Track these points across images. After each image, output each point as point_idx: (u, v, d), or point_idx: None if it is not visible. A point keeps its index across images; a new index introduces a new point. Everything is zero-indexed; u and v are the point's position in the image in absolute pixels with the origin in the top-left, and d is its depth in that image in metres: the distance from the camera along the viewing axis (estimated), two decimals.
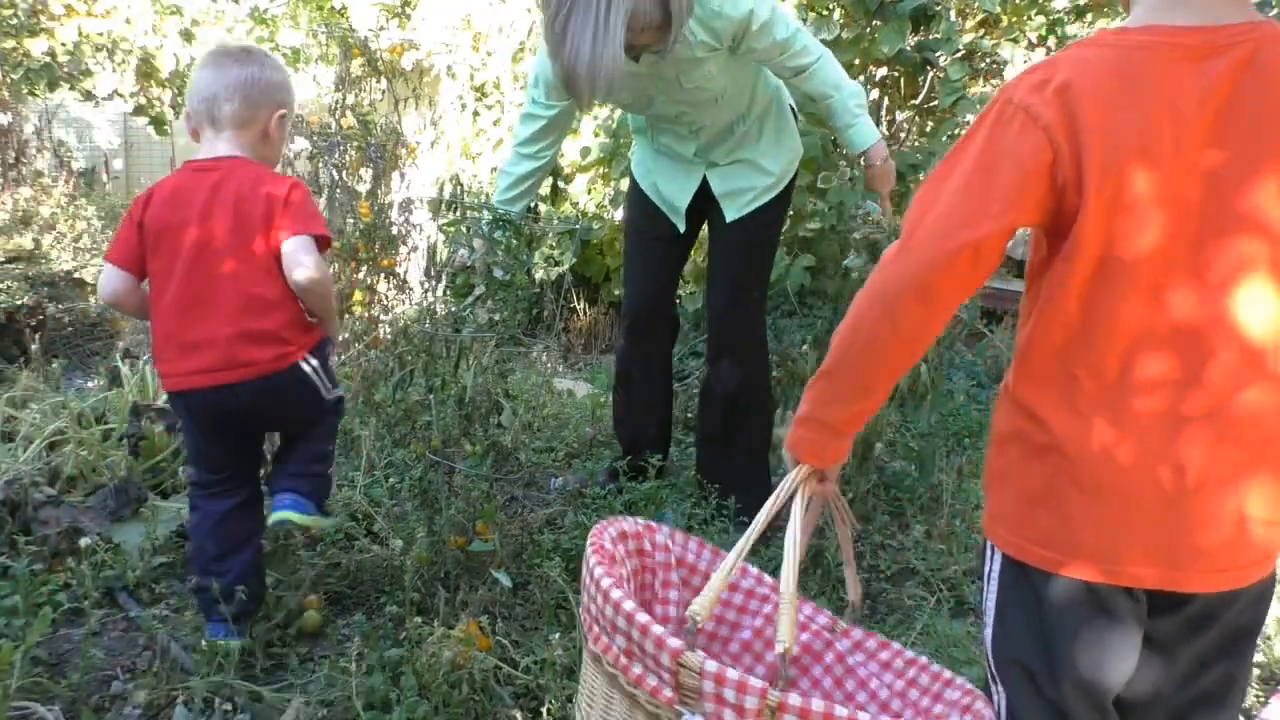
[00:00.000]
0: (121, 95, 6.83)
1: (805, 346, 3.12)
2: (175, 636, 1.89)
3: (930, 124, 4.62)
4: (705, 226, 2.57)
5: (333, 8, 6.46)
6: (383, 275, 3.37)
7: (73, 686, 1.71)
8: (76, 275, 4.53)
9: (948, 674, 1.29)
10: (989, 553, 1.11)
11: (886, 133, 4.73)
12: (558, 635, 1.74)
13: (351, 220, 3.53)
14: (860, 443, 2.48)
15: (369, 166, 4.41)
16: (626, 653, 1.08)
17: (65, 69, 6.32)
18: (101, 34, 6.40)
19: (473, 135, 5.06)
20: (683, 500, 2.59)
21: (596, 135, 4.66)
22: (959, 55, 4.26)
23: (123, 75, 6.62)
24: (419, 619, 1.81)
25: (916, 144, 4.59)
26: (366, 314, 3.10)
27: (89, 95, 6.70)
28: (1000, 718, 1.13)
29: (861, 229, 2.66)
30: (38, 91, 6.43)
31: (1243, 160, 0.96)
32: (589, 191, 4.79)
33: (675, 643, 1.01)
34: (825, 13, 4.19)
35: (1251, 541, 1.01)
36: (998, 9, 4.37)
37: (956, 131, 4.36)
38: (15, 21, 6.05)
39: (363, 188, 4.33)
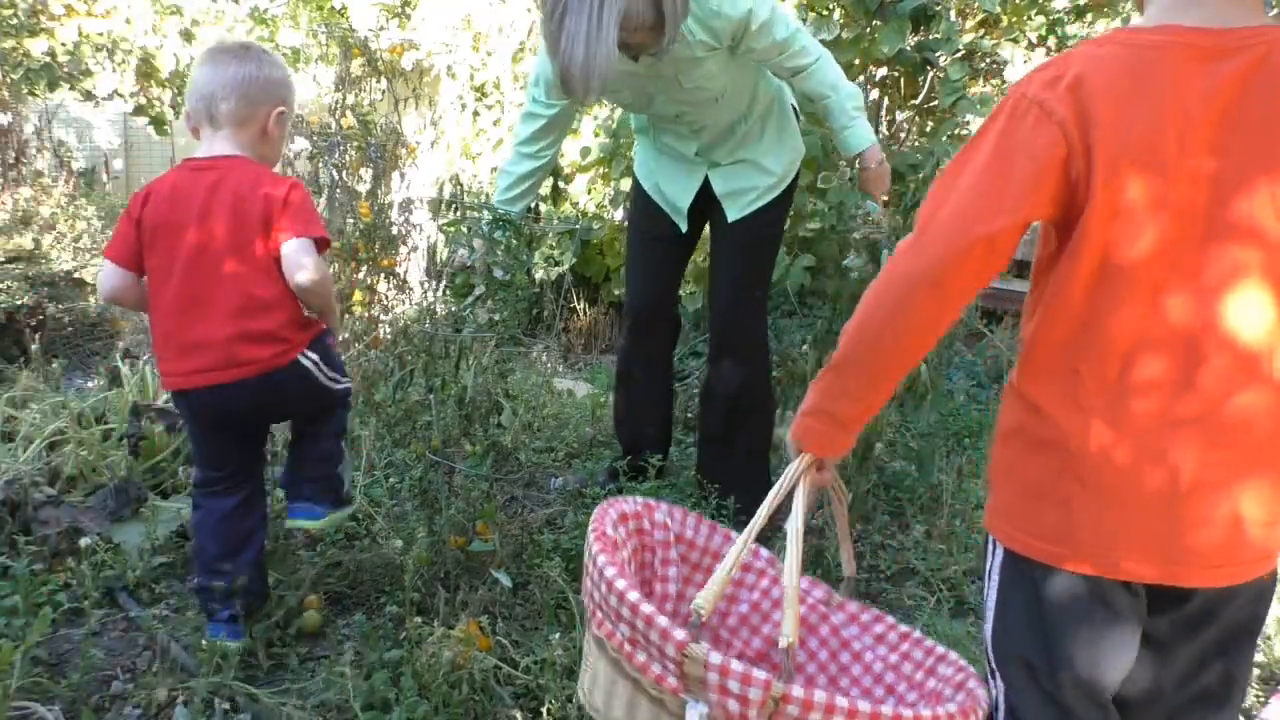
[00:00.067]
0: (121, 95, 6.83)
1: (805, 346, 3.12)
2: (175, 636, 1.89)
3: (930, 124, 4.62)
4: (707, 226, 2.57)
5: (333, 8, 6.45)
6: (383, 275, 3.37)
7: (73, 686, 1.71)
8: (76, 275, 4.53)
9: (940, 649, 1.30)
10: (990, 547, 1.12)
11: (886, 133, 4.73)
12: (558, 635, 1.74)
13: (351, 220, 3.53)
14: (860, 443, 2.48)
15: (369, 166, 4.41)
16: (630, 640, 1.08)
17: (65, 69, 6.32)
18: (101, 34, 6.40)
19: (473, 135, 5.06)
20: (683, 500, 2.59)
21: (596, 135, 4.66)
22: (959, 55, 4.26)
23: (123, 75, 6.62)
24: (419, 619, 1.81)
25: (916, 144, 4.58)
26: (366, 314, 3.10)
27: (89, 95, 6.70)
28: (999, 711, 1.13)
29: (861, 229, 2.66)
30: (38, 91, 6.43)
31: (1249, 163, 0.96)
32: (589, 191, 4.79)
33: (680, 634, 1.02)
34: (825, 13, 4.19)
35: (1248, 542, 1.01)
36: (998, 9, 4.37)
37: (957, 131, 4.36)
38: (15, 21, 6.05)
39: (363, 188, 4.33)
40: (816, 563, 2.27)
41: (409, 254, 4.20)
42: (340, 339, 2.91)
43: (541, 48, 2.07)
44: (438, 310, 2.66)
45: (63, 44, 6.21)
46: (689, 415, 3.29)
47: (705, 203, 2.48)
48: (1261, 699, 1.86)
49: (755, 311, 2.54)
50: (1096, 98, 0.96)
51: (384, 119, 4.94)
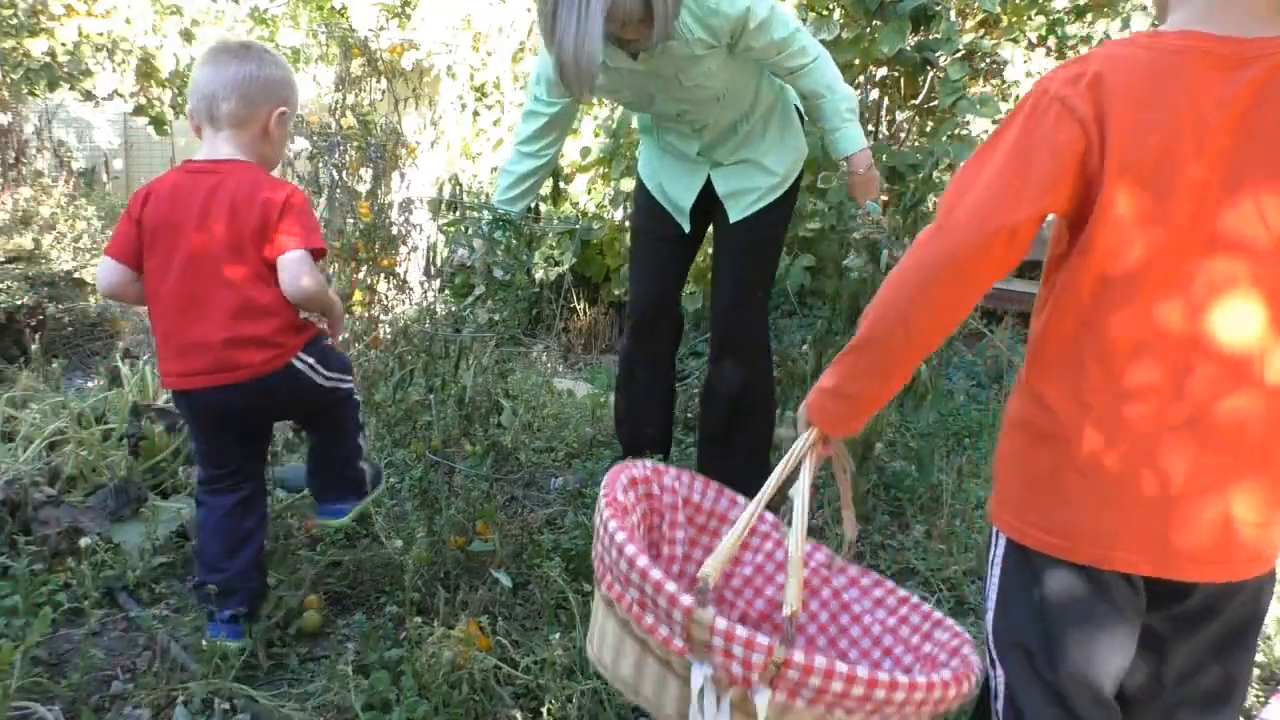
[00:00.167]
0: (121, 95, 6.83)
1: (805, 346, 3.12)
2: (175, 636, 1.89)
3: (930, 124, 4.62)
4: (711, 227, 2.57)
5: (333, 8, 6.45)
6: (383, 275, 3.37)
7: (73, 686, 1.71)
8: (76, 275, 4.53)
9: (938, 614, 1.34)
10: (994, 538, 1.14)
11: (886, 132, 4.74)
12: (558, 635, 1.74)
13: (351, 220, 3.53)
14: (860, 443, 2.49)
15: (369, 166, 4.41)
16: (639, 603, 1.12)
17: (65, 69, 6.32)
18: (101, 34, 6.40)
19: (473, 135, 5.06)
20: None
21: (597, 135, 4.66)
22: (959, 55, 4.26)
23: (123, 75, 6.62)
24: (419, 619, 1.81)
25: (916, 144, 4.58)
26: (366, 314, 3.10)
27: (89, 95, 6.70)
28: (999, 699, 1.14)
29: (861, 229, 2.65)
30: (38, 91, 6.43)
31: (1259, 172, 0.98)
32: (589, 191, 4.79)
33: (687, 600, 1.05)
34: (825, 13, 4.19)
35: (1241, 543, 1.02)
36: (998, 9, 4.37)
37: (956, 131, 4.36)
38: (15, 21, 6.05)
39: (363, 188, 4.33)
40: (822, 535, 2.27)
41: (409, 254, 4.20)
42: (340, 339, 2.92)
43: (542, 46, 2.08)
44: (438, 310, 2.66)
45: (63, 44, 6.21)
46: (689, 415, 3.29)
47: (708, 203, 2.48)
48: (1261, 699, 1.86)
49: (757, 312, 2.54)
50: (1114, 97, 0.98)
51: (384, 119, 4.94)
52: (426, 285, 4.01)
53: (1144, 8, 4.97)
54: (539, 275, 4.48)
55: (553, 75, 2.15)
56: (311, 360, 1.85)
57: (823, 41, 3.91)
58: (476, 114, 5.06)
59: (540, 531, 2.37)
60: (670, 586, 1.07)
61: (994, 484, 1.15)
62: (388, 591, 2.09)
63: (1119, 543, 1.03)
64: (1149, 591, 1.06)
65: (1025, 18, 4.80)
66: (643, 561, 1.10)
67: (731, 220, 2.44)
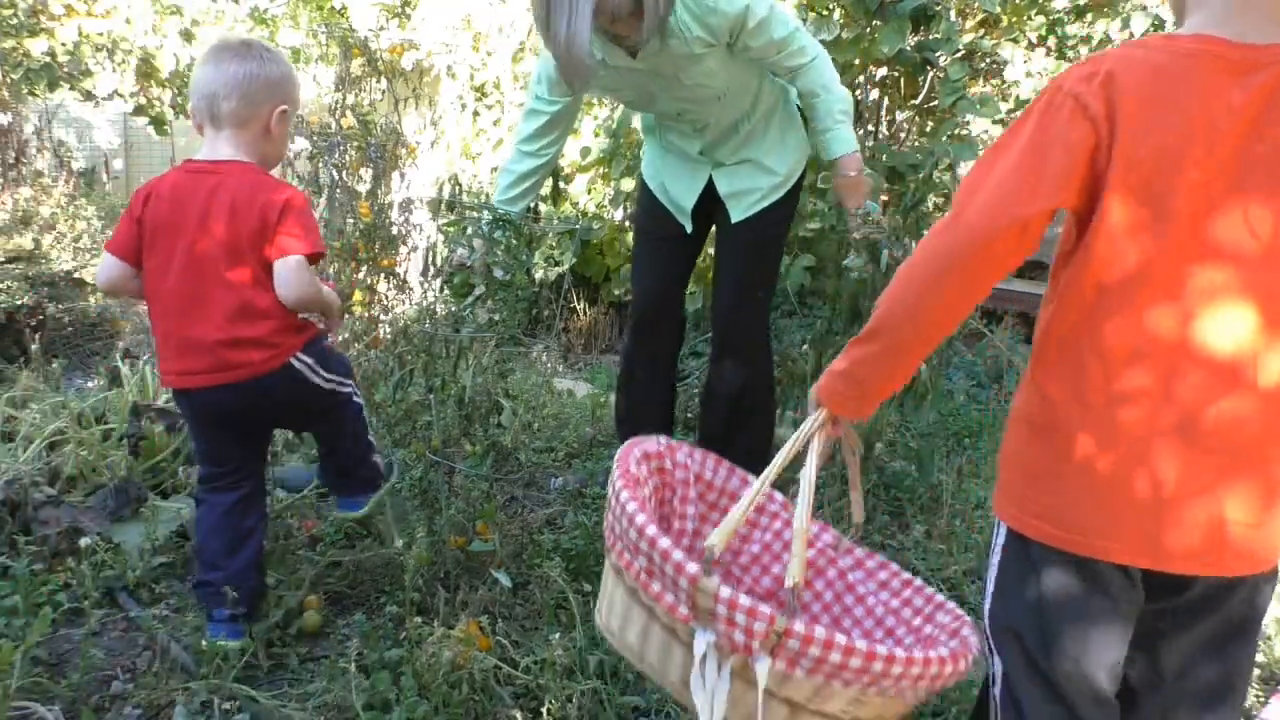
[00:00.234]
0: (121, 95, 6.82)
1: (805, 346, 3.12)
2: (175, 636, 1.89)
3: (930, 124, 4.61)
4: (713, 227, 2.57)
5: (333, 8, 6.45)
6: (383, 275, 3.37)
7: (73, 686, 1.71)
8: (76, 275, 4.53)
9: (940, 598, 1.37)
10: (996, 527, 1.17)
11: (886, 132, 4.73)
12: (558, 635, 1.74)
13: (351, 220, 3.52)
14: (861, 442, 2.49)
15: (369, 166, 4.40)
16: (647, 571, 1.14)
17: (65, 69, 6.31)
18: (101, 34, 6.39)
19: (473, 135, 5.06)
20: None
21: (597, 135, 4.66)
22: (959, 55, 4.26)
23: (123, 75, 6.61)
24: (419, 619, 1.81)
25: (916, 144, 4.58)
26: (366, 314, 3.10)
27: (89, 95, 6.70)
28: (996, 686, 1.17)
29: (861, 229, 2.65)
30: (38, 91, 6.43)
31: (1262, 177, 0.99)
32: (589, 191, 4.79)
33: (693, 568, 1.08)
34: (825, 13, 4.19)
35: (1232, 543, 1.04)
36: (998, 9, 4.37)
37: (956, 131, 4.36)
38: (15, 21, 6.04)
39: (363, 188, 4.33)
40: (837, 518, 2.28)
41: (409, 254, 4.20)
42: (340, 339, 2.92)
43: (542, 44, 2.09)
44: (438, 310, 2.66)
45: (63, 44, 6.21)
46: (689, 415, 3.29)
47: (710, 203, 2.48)
48: (1261, 699, 1.86)
49: (758, 312, 2.54)
50: (1125, 97, 1.00)
51: (384, 119, 4.94)
52: (426, 285, 4.01)
53: (1144, 7, 4.97)
54: (539, 275, 4.48)
55: (553, 73, 2.17)
56: (310, 360, 1.86)
57: (822, 41, 3.91)
58: (476, 114, 5.06)
59: (540, 531, 2.37)
60: (677, 555, 1.09)
61: (998, 476, 1.18)
62: (388, 591, 2.08)
63: (1115, 541, 1.05)
64: (1148, 584, 1.08)
65: (1025, 18, 4.80)
66: (651, 530, 1.13)
67: (733, 220, 2.44)
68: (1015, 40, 4.74)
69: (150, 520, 2.28)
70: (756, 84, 2.33)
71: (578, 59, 1.93)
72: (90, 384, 3.37)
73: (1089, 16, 5.12)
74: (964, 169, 4.77)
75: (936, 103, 4.32)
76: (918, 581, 1.42)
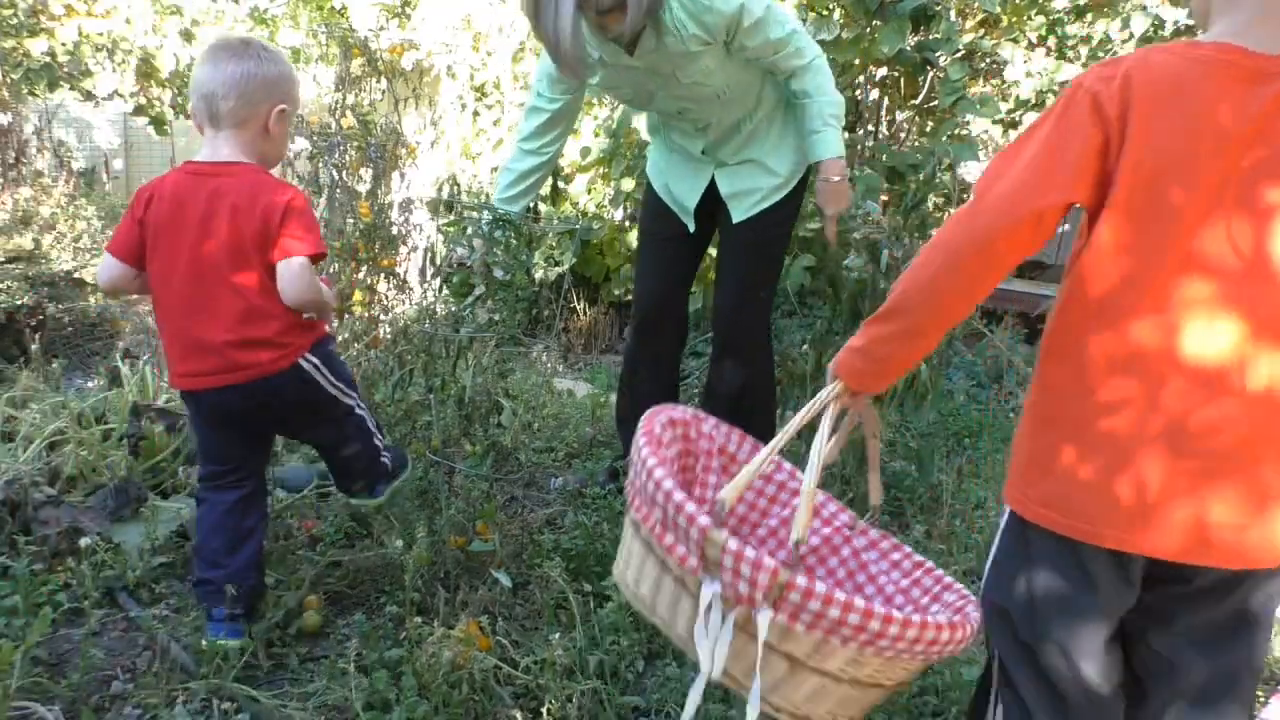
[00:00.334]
0: (121, 95, 6.83)
1: (805, 346, 3.12)
2: (175, 636, 1.89)
3: (930, 124, 4.62)
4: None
5: (333, 8, 6.45)
6: (383, 275, 3.37)
7: (73, 686, 1.71)
8: (76, 275, 4.52)
9: (949, 579, 1.40)
10: (1002, 511, 1.22)
11: (886, 132, 4.73)
12: (558, 635, 1.74)
13: (351, 220, 3.52)
14: (860, 443, 2.49)
15: (369, 166, 4.40)
16: (662, 523, 1.18)
17: (65, 69, 6.32)
18: (101, 34, 6.40)
19: (473, 135, 5.06)
20: None
21: (597, 135, 4.66)
22: (959, 55, 4.26)
23: (123, 75, 6.62)
24: (419, 619, 1.81)
25: (916, 144, 4.58)
26: (366, 314, 3.10)
27: (89, 95, 6.70)
28: (996, 661, 1.22)
29: (861, 229, 2.65)
30: (38, 91, 6.43)
31: (1264, 185, 1.01)
32: (589, 191, 4.79)
33: (704, 520, 1.11)
34: (825, 13, 4.19)
35: (1216, 545, 1.06)
36: (998, 9, 4.37)
37: (957, 131, 4.36)
38: (15, 21, 6.05)
39: (363, 188, 4.32)
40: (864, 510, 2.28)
41: (409, 254, 4.20)
42: (340, 339, 2.92)
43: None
44: (438, 310, 2.66)
45: (63, 44, 6.21)
46: None
47: (713, 204, 2.48)
48: (1262, 699, 1.86)
49: (759, 312, 2.54)
50: (1139, 98, 1.03)
51: (384, 119, 4.94)
52: (426, 285, 4.01)
53: (1144, 7, 4.96)
54: (539, 275, 4.48)
55: (553, 70, 2.19)
56: (317, 361, 1.87)
57: (823, 41, 3.92)
58: (476, 114, 5.06)
59: (540, 531, 2.37)
60: (690, 507, 1.13)
61: (1009, 461, 1.22)
62: (388, 591, 2.08)
63: (1107, 523, 1.08)
64: (1150, 573, 1.10)
65: (1025, 18, 4.81)
66: (668, 484, 1.16)
67: (734, 220, 2.44)
68: (1015, 40, 4.74)
69: (150, 520, 2.28)
70: (758, 84, 2.33)
71: (568, 52, 1.97)
72: (90, 384, 3.37)
73: (1089, 16, 5.12)
74: (964, 169, 4.77)
75: (936, 103, 4.33)
76: (929, 563, 1.46)
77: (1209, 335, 1.02)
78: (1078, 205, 1.09)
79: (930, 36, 4.12)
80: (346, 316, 3.03)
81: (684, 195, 2.49)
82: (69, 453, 2.54)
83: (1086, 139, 1.04)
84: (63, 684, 1.72)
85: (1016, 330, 4.55)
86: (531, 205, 2.83)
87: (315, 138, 4.02)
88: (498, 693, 1.73)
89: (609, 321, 4.68)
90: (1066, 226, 1.14)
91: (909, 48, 4.11)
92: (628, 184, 4.45)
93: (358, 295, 3.11)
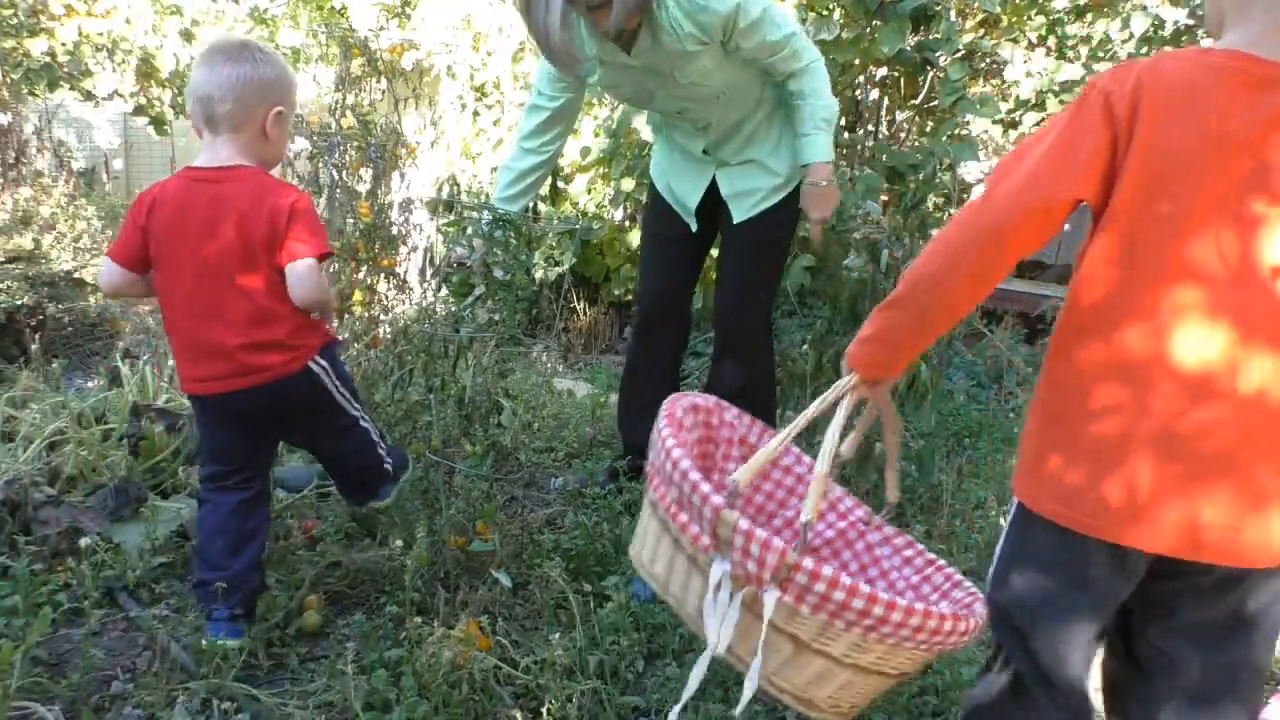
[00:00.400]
0: (121, 95, 6.83)
1: (805, 346, 3.12)
2: (175, 636, 1.89)
3: (930, 124, 4.62)
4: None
5: (333, 8, 6.45)
6: (383, 275, 3.37)
7: (73, 686, 1.71)
8: (76, 275, 4.52)
9: (959, 576, 1.42)
10: (1012, 501, 1.25)
11: (886, 132, 4.73)
12: (558, 635, 1.74)
13: (351, 220, 3.52)
14: (862, 443, 2.49)
15: (369, 166, 4.40)
16: (677, 502, 1.21)
17: (65, 69, 6.32)
18: (101, 34, 6.39)
19: (473, 135, 5.06)
20: None
21: (597, 135, 4.66)
22: (959, 55, 4.26)
23: (123, 75, 6.61)
24: (419, 619, 1.81)
25: (916, 144, 4.58)
26: (366, 314, 3.10)
27: (89, 95, 6.70)
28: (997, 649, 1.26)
29: (861, 229, 2.65)
30: (38, 91, 6.43)
31: (1264, 190, 1.02)
32: (589, 191, 4.79)
33: (717, 500, 1.15)
34: (825, 13, 4.19)
35: (1210, 544, 1.07)
36: (998, 9, 4.37)
37: (957, 131, 4.36)
38: (15, 21, 6.05)
39: (363, 188, 4.32)
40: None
41: (409, 254, 4.20)
42: (340, 339, 2.92)
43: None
44: (438, 310, 2.66)
45: (63, 44, 6.21)
46: None
47: (716, 204, 2.48)
48: (1262, 699, 1.85)
49: (759, 313, 2.54)
50: (1149, 101, 1.04)
51: (384, 119, 4.94)
52: (426, 285, 4.01)
53: (1144, 7, 4.97)
54: (539, 275, 4.48)
55: (552, 69, 2.19)
56: (325, 364, 1.89)
57: (823, 41, 3.92)
58: (476, 114, 5.06)
59: (540, 531, 2.37)
60: (705, 487, 1.16)
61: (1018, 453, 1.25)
62: (388, 591, 2.08)
63: (1104, 527, 1.10)
64: (1153, 569, 1.12)
65: (1025, 18, 4.81)
66: (685, 464, 1.19)
67: (735, 221, 2.44)
68: (1015, 40, 4.74)
69: (150, 520, 2.28)
70: (759, 85, 2.33)
71: (558, 46, 1.99)
72: (90, 384, 3.36)
73: (1089, 16, 5.12)
74: (964, 169, 4.77)
75: (936, 103, 4.33)
76: (941, 561, 1.47)
77: (1204, 339, 1.03)
78: (1085, 203, 1.11)
79: (930, 36, 4.12)
80: (346, 316, 3.03)
81: (686, 195, 2.49)
82: (69, 453, 2.54)
83: (1098, 138, 1.06)
84: (63, 684, 1.72)
85: (1016, 330, 4.55)
86: (531, 205, 2.83)
87: (315, 138, 4.02)
88: (498, 693, 1.73)
89: (609, 321, 4.68)
90: (1068, 228, 1.16)
91: (909, 48, 4.11)
92: (628, 184, 4.45)
93: (358, 295, 3.11)
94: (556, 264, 4.56)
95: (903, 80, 4.50)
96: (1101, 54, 5.24)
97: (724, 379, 2.54)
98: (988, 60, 4.65)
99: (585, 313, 4.64)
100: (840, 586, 1.09)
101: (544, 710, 1.66)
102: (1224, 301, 1.03)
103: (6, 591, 1.90)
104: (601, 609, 1.95)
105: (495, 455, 2.65)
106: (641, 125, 4.30)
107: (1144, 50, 5.03)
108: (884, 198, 3.95)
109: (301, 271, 1.78)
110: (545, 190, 4.67)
